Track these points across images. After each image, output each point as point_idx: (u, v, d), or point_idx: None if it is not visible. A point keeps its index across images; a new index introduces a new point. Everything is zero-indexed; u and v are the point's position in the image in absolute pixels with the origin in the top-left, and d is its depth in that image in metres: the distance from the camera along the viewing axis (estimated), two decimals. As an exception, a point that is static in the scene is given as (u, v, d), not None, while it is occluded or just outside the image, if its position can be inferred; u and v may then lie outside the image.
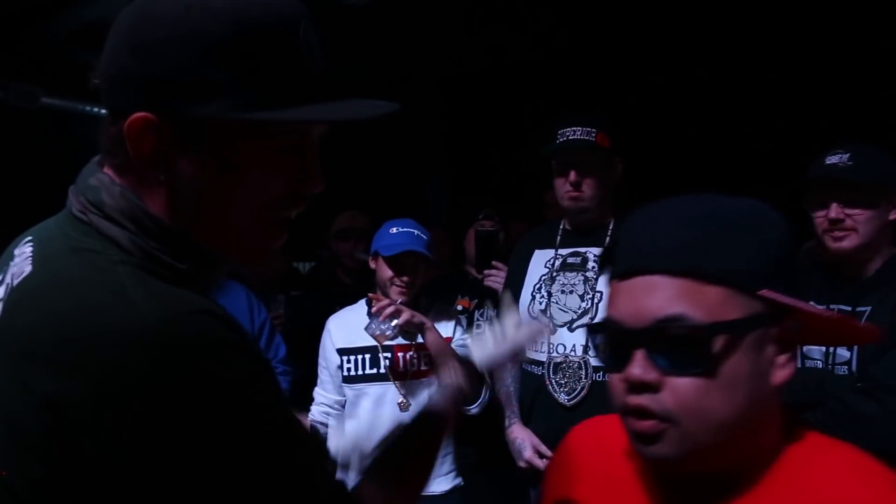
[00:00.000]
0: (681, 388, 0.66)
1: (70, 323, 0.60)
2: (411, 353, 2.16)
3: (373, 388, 2.13)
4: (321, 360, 2.25)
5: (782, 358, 0.69)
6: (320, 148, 0.74)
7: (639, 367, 0.67)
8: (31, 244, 0.72)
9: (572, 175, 2.02)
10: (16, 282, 0.68)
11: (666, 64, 3.62)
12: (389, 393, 2.13)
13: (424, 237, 2.19)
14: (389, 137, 4.11)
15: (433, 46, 3.70)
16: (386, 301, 2.09)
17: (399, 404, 2.11)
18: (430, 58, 3.81)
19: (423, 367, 2.16)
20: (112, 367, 0.58)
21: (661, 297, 0.67)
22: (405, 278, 2.14)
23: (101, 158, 0.73)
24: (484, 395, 1.99)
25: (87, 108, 4.43)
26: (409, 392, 2.13)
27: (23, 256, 0.71)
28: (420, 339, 2.16)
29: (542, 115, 2.21)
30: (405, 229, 2.18)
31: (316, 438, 0.64)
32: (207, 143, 0.66)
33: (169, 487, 0.61)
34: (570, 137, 2.02)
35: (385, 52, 3.45)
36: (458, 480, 2.22)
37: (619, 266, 0.73)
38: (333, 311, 2.32)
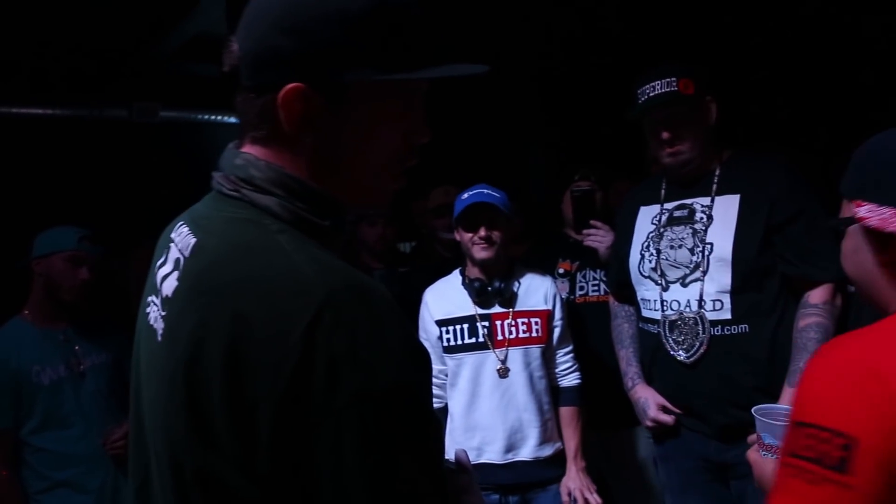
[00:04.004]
0: None
1: (248, 277, 0.68)
2: (509, 320, 2.18)
3: (472, 357, 2.16)
4: (422, 333, 2.29)
5: None
6: (424, 107, 0.85)
7: None
8: (185, 225, 0.81)
9: (664, 133, 1.93)
10: (188, 252, 0.75)
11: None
12: (489, 361, 2.15)
13: (496, 194, 2.16)
14: (486, 112, 4.10)
15: (522, 24, 3.63)
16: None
17: (498, 371, 2.14)
18: (521, 36, 3.74)
19: (520, 335, 2.17)
20: (281, 314, 0.64)
21: None
22: (481, 233, 2.14)
23: (239, 138, 0.83)
24: None
25: (200, 117, 4.75)
26: (507, 358, 2.15)
27: (182, 235, 0.79)
28: (517, 308, 2.18)
29: (633, 76, 2.10)
30: (473, 191, 2.18)
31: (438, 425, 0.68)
32: (349, 105, 0.76)
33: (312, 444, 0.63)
34: (651, 94, 1.92)
35: (476, 31, 3.43)
36: (560, 444, 2.21)
37: None
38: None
